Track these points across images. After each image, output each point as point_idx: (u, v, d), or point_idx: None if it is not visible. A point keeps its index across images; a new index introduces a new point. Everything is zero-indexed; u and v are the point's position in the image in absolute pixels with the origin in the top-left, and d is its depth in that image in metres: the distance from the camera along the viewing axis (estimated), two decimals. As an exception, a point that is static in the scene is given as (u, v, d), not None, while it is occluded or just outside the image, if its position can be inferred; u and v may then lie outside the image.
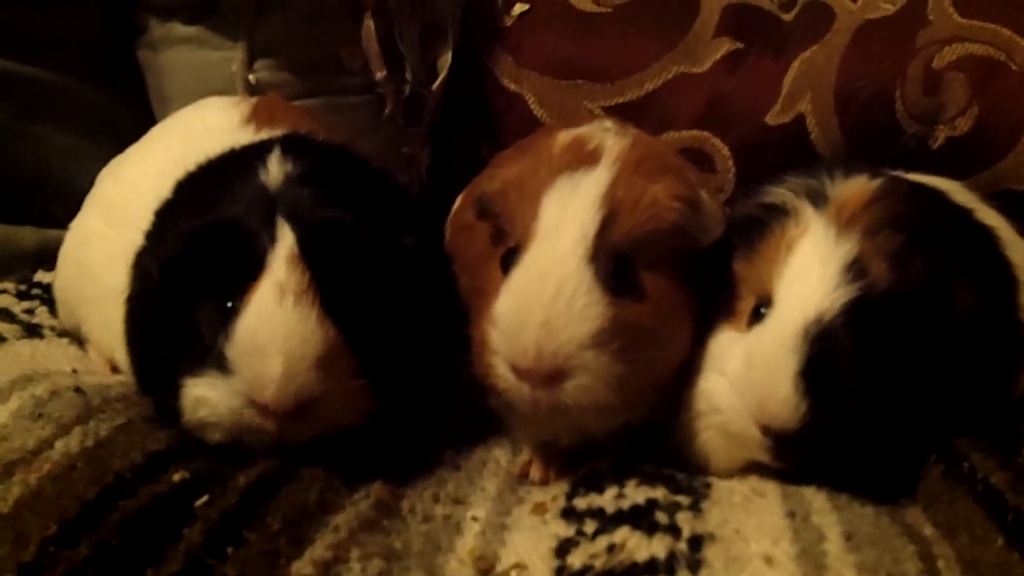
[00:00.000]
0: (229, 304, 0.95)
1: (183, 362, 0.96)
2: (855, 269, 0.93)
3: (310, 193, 1.01)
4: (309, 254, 0.96)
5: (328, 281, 0.96)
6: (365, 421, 0.97)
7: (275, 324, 0.93)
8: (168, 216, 1.09)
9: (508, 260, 0.97)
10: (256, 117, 1.25)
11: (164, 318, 1.00)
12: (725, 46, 1.64)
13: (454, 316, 1.08)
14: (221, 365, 0.94)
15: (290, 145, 1.08)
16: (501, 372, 0.94)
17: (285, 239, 0.96)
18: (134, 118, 1.63)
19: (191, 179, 1.10)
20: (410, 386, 1.01)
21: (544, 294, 0.91)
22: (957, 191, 1.23)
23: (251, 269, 0.95)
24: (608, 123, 1.16)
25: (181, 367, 0.96)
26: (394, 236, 1.02)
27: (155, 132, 1.38)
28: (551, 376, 0.91)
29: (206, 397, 0.95)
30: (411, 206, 1.17)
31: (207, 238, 0.98)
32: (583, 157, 1.00)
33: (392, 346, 0.98)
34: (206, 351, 0.95)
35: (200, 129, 1.23)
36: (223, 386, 0.94)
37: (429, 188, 1.74)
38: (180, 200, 1.10)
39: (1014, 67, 1.51)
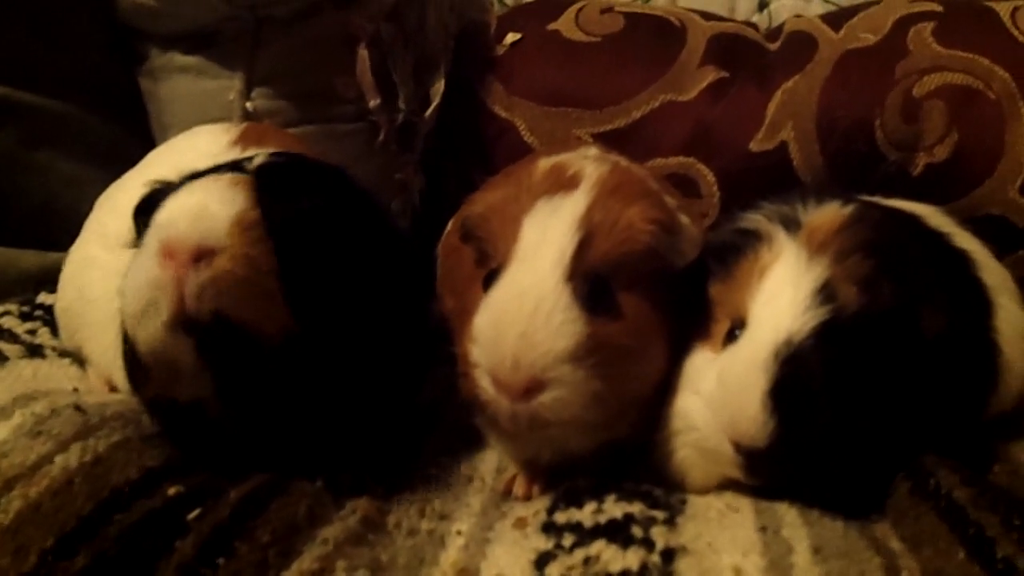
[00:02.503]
0: None
1: None
2: (825, 293, 0.95)
3: (288, 173, 1.03)
4: (262, 180, 0.98)
5: (277, 209, 0.96)
6: (278, 339, 0.95)
7: (203, 187, 0.97)
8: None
9: (490, 280, 1.00)
10: (243, 140, 1.29)
11: None
12: (710, 75, 1.68)
13: (425, 333, 1.10)
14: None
15: (279, 154, 1.11)
16: (483, 385, 0.97)
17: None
18: (137, 145, 1.65)
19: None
20: (340, 334, 0.99)
21: (523, 309, 0.94)
22: (933, 216, 1.25)
23: None
24: (592, 150, 1.20)
25: None
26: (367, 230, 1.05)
27: (149, 159, 1.42)
28: (529, 388, 0.93)
29: (132, 270, 0.96)
30: (398, 238, 1.18)
31: (170, 186, 1.01)
32: (563, 182, 1.03)
33: (332, 298, 0.98)
34: None
35: (190, 155, 1.25)
36: (143, 253, 0.95)
37: (422, 214, 1.77)
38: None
39: (991, 95, 1.54)
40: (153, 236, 0.94)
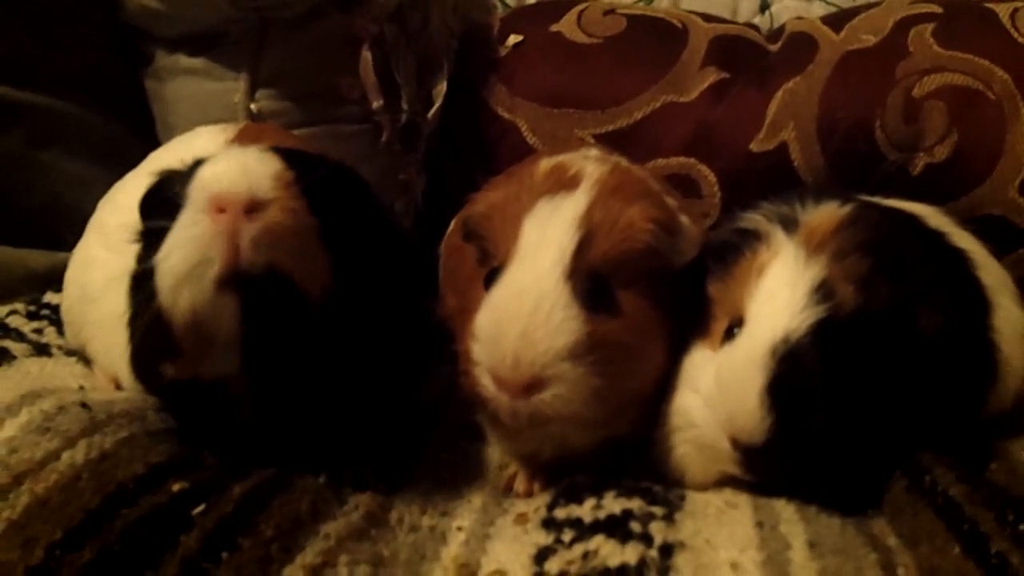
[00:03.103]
0: None
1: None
2: (822, 292, 0.96)
3: (293, 154, 1.04)
4: (284, 153, 1.00)
5: (307, 171, 0.98)
6: (321, 297, 0.96)
7: (237, 152, 1.00)
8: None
9: (491, 279, 1.01)
10: (241, 139, 1.29)
11: None
12: (711, 76, 1.69)
13: (427, 331, 1.12)
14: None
15: (275, 147, 1.10)
16: (484, 383, 0.98)
17: None
18: (140, 145, 1.64)
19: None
20: (371, 296, 1.01)
21: (523, 308, 0.95)
22: (932, 216, 1.26)
23: None
24: (593, 151, 1.21)
25: None
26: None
27: (150, 159, 1.42)
28: (529, 385, 0.95)
29: (174, 235, 0.94)
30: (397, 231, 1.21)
31: (180, 174, 1.01)
32: (563, 182, 1.04)
33: (364, 257, 1.00)
34: None
35: (189, 154, 1.26)
36: (185, 215, 0.94)
37: (424, 214, 1.78)
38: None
39: (991, 96, 1.55)
40: (199, 195, 0.93)
